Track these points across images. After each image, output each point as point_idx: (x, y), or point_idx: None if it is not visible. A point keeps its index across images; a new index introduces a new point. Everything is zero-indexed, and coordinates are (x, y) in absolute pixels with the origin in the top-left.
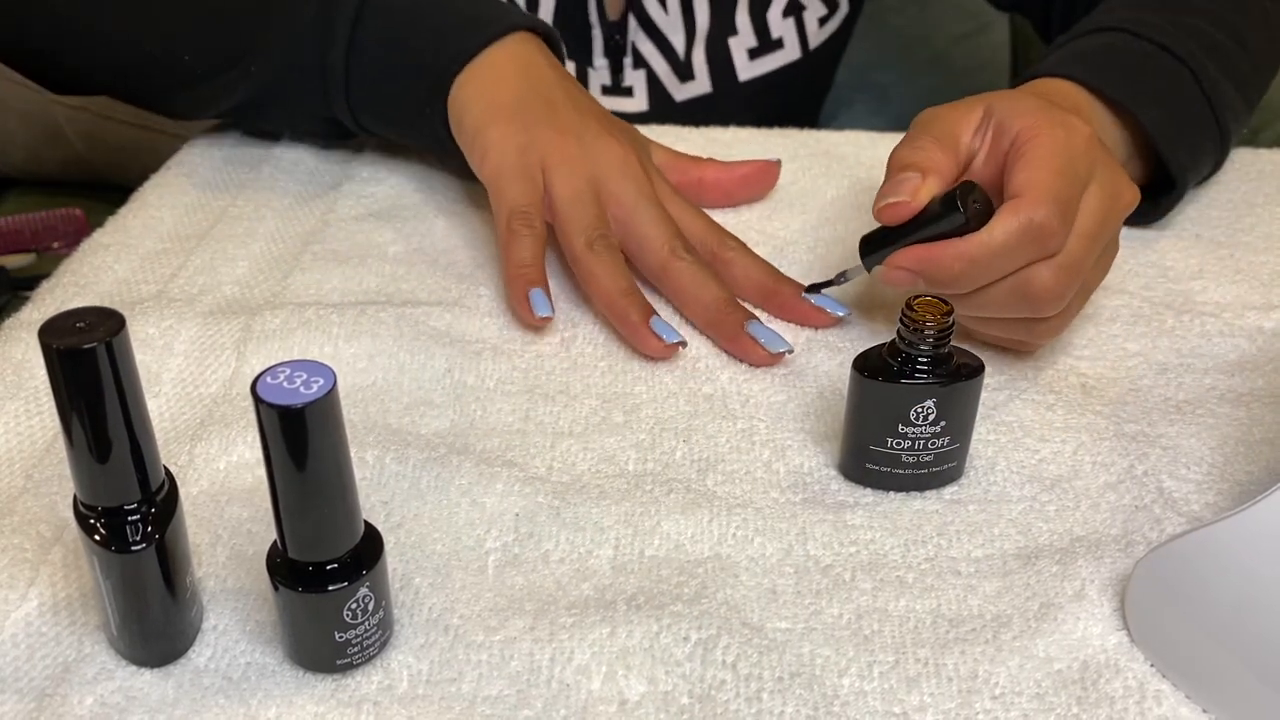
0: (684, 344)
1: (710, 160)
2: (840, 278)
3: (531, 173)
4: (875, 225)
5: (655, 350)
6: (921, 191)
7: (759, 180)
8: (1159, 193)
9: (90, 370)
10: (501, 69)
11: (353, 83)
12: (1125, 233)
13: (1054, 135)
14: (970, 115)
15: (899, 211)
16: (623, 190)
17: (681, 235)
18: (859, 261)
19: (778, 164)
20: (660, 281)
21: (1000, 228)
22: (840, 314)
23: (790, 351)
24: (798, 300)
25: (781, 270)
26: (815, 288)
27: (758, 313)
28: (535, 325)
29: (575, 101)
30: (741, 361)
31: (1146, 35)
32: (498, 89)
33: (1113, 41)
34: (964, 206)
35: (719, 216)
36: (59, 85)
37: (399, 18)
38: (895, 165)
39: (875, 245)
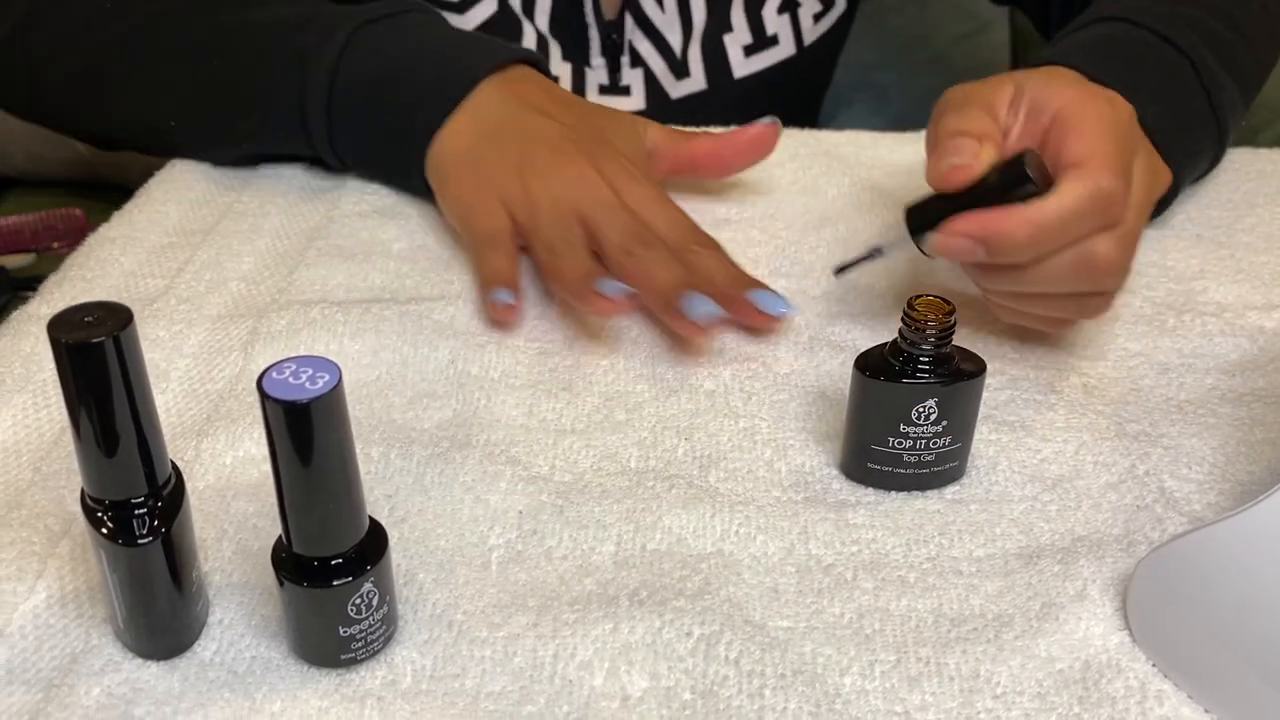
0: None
1: (703, 133)
2: (875, 253)
3: (493, 208)
4: (885, 217)
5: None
6: (982, 155)
7: (756, 146)
8: None
9: (98, 364)
10: (461, 133)
11: (341, 155)
12: None
13: (1100, 108)
14: (1001, 91)
15: (961, 175)
16: (586, 207)
17: (646, 235)
18: (890, 238)
19: (776, 125)
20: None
21: (1070, 194)
22: (779, 312)
23: (794, 312)
24: (743, 302)
25: (780, 270)
26: (844, 267)
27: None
28: (499, 320)
29: (523, 133)
30: (743, 328)
31: (1147, 25)
32: (457, 142)
33: (1112, 32)
34: (1032, 172)
35: (722, 210)
36: (82, 140)
37: (368, 102)
38: (945, 133)
39: (924, 216)
